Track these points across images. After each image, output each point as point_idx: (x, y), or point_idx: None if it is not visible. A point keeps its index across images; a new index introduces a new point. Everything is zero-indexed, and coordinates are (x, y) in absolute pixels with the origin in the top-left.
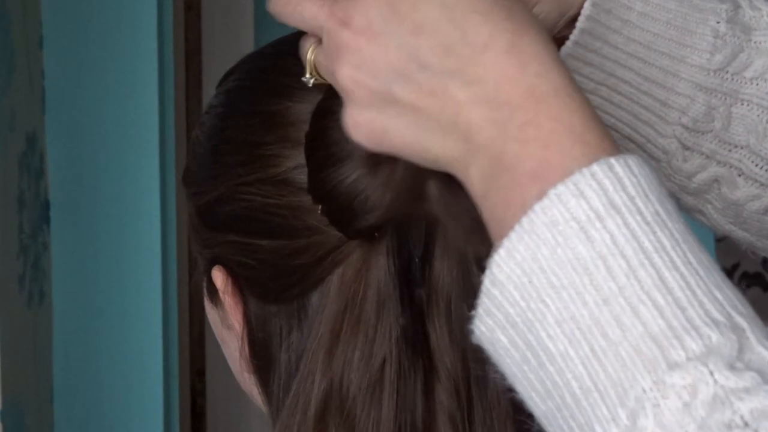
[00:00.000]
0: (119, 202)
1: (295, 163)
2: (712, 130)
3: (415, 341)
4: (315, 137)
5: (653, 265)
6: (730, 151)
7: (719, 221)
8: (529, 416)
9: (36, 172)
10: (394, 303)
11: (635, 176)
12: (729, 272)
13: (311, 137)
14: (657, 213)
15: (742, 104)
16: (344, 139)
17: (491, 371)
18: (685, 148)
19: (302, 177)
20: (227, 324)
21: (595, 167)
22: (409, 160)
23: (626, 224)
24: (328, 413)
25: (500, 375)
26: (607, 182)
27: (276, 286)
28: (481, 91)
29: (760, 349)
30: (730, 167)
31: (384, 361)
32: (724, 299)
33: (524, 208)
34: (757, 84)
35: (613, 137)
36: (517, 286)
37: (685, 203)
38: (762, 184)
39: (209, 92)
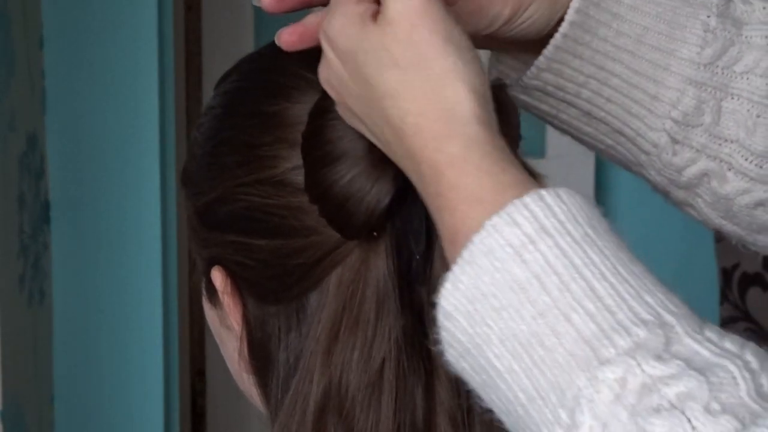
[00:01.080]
0: (119, 202)
1: (293, 164)
2: (702, 124)
3: (415, 341)
4: (311, 136)
5: (583, 277)
6: (720, 145)
7: (710, 215)
8: None
9: (36, 172)
10: (393, 303)
11: (564, 204)
12: (729, 272)
13: (308, 136)
14: (586, 234)
15: (733, 98)
16: (340, 138)
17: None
18: (675, 141)
19: (300, 178)
20: (226, 324)
21: (527, 198)
22: None
23: (557, 245)
24: (326, 413)
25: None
26: (537, 210)
27: (274, 287)
28: (410, 164)
29: (688, 340)
30: (720, 161)
31: (383, 362)
32: (653, 302)
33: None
34: (748, 78)
35: (520, 177)
36: (464, 315)
37: (675, 197)
38: (752, 179)
39: (209, 92)
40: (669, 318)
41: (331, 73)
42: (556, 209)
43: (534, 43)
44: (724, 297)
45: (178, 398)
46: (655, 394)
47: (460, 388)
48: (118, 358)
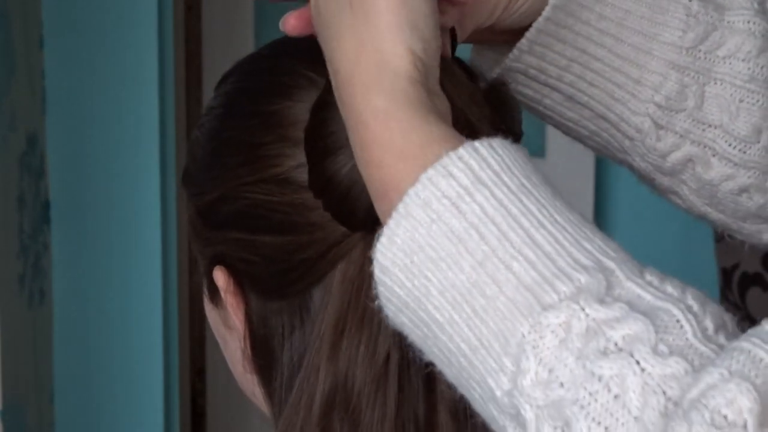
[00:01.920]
0: (119, 202)
1: (296, 162)
2: (685, 109)
3: None
4: (313, 130)
5: (521, 227)
6: (703, 130)
7: (694, 202)
8: None
9: (36, 172)
10: None
11: (499, 156)
12: (729, 272)
13: (310, 130)
14: (522, 184)
15: (716, 83)
16: (342, 129)
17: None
18: (659, 126)
19: (304, 176)
20: (228, 324)
21: (461, 150)
22: None
23: (493, 195)
24: (332, 408)
25: (419, 353)
26: (472, 162)
27: (279, 282)
28: (343, 114)
29: (629, 284)
30: (704, 147)
31: (388, 355)
32: (592, 248)
33: (387, 215)
34: (731, 63)
35: (448, 132)
36: (401, 269)
37: (660, 184)
38: (736, 164)
39: (209, 92)
40: (609, 263)
41: (312, 13)
42: (491, 161)
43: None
44: (724, 297)
45: (178, 398)
46: (601, 337)
47: None
48: (118, 358)
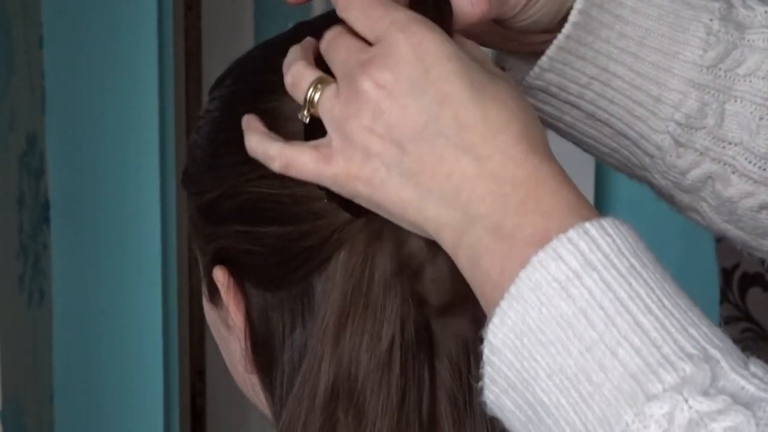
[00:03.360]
0: (119, 202)
1: None
2: (705, 127)
3: (418, 321)
4: (312, 119)
5: (629, 311)
6: (723, 148)
7: (714, 219)
8: None
9: (36, 172)
10: (399, 285)
11: (609, 236)
12: (729, 272)
13: (308, 121)
14: (632, 266)
15: (736, 101)
16: None
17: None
18: (679, 144)
19: None
20: (228, 324)
21: (571, 232)
22: (392, 219)
23: (602, 279)
24: (336, 398)
25: None
26: (582, 244)
27: (281, 271)
28: (489, 167)
29: (734, 376)
30: (724, 164)
31: (392, 343)
32: (698, 335)
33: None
34: (751, 81)
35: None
36: (511, 350)
37: (680, 201)
38: (755, 181)
39: None
40: (714, 352)
41: (370, 114)
42: (601, 242)
43: (539, 44)
44: (724, 297)
45: (178, 398)
46: (702, 429)
47: (461, 371)
48: (118, 358)
